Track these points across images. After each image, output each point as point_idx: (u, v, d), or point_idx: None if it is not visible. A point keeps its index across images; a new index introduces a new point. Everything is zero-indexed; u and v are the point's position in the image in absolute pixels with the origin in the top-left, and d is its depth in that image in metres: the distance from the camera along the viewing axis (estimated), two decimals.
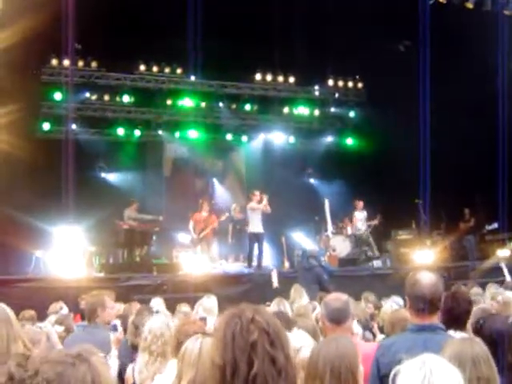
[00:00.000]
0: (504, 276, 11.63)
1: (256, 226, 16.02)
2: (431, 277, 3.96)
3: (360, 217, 17.98)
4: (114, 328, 5.76)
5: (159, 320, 4.69)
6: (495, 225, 17.04)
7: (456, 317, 4.57)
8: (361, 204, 18.10)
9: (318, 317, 5.15)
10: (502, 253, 16.05)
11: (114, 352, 5.27)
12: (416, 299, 3.91)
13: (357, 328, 5.79)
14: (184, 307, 8.31)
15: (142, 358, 4.51)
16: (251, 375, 2.14)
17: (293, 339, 3.26)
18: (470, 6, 16.26)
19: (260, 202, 16.13)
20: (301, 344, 3.35)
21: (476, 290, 9.62)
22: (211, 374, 2.21)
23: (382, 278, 13.65)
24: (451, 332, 4.27)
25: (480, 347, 3.17)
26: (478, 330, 4.69)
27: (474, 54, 15.80)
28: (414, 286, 3.94)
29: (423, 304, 3.86)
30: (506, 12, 16.63)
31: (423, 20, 15.10)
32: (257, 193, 16.33)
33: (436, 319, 3.93)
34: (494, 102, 15.23)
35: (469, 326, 5.01)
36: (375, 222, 18.06)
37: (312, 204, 20.77)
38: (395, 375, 2.17)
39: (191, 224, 16.88)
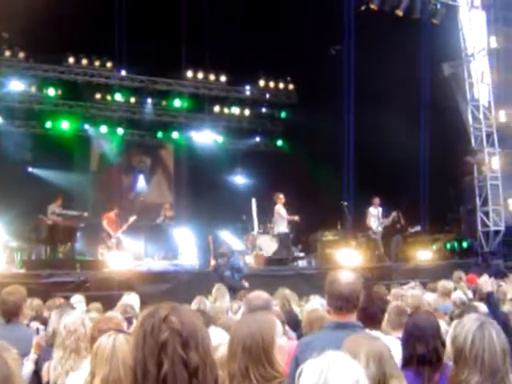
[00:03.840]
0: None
1: (286, 226, 16.53)
2: (350, 276, 4.01)
3: (374, 213, 17.33)
4: (37, 332, 5.62)
5: (73, 316, 4.60)
6: (417, 227, 17.45)
7: (371, 315, 4.63)
8: (377, 200, 17.30)
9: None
10: (423, 255, 16.45)
11: (33, 356, 5.10)
12: (334, 297, 3.96)
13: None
14: (96, 305, 8.19)
15: (56, 354, 4.41)
16: (161, 376, 2.07)
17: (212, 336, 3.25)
18: (399, 13, 16.65)
19: (285, 204, 16.54)
20: (219, 342, 3.34)
21: (397, 290, 9.84)
22: (126, 374, 2.16)
23: (307, 277, 13.77)
24: (367, 330, 4.33)
25: (382, 344, 3.24)
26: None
27: (398, 59, 16.15)
28: (332, 285, 3.98)
29: (341, 302, 3.90)
30: (434, 21, 17.09)
31: (349, 26, 15.41)
32: (281, 196, 16.53)
33: (354, 317, 3.97)
34: (416, 107, 15.65)
35: (385, 323, 5.12)
36: (389, 219, 17.25)
37: (240, 203, 20.81)
38: (300, 372, 2.19)
39: (104, 223, 16.58)
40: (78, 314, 4.78)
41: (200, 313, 6.24)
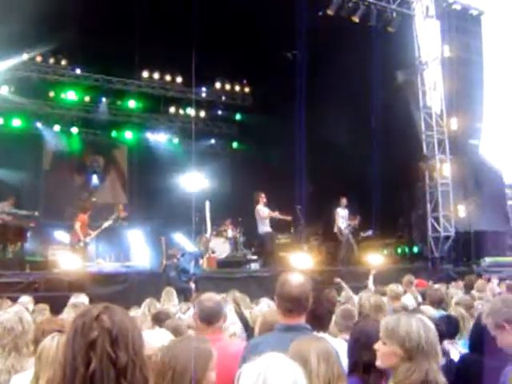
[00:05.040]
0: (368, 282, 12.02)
1: (267, 225, 16.25)
2: (299, 278, 4.02)
3: (342, 214, 17.22)
4: None
5: (10, 313, 4.51)
6: (369, 232, 17.63)
7: (319, 317, 4.65)
8: (344, 201, 17.21)
9: (194, 316, 5.12)
10: (375, 259, 16.62)
11: None
12: (284, 299, 3.96)
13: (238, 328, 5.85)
14: (43, 305, 8.04)
15: None
16: (88, 374, 2.08)
17: (153, 339, 3.24)
18: (355, 20, 16.82)
19: (266, 203, 16.21)
20: (161, 344, 3.31)
21: (346, 293, 9.94)
22: (57, 372, 2.15)
23: (259, 280, 13.79)
24: (315, 333, 4.36)
25: (329, 345, 3.28)
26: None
27: (353, 65, 16.33)
28: (282, 287, 3.99)
29: (291, 304, 3.91)
30: (389, 29, 17.32)
31: (304, 31, 15.50)
32: (263, 195, 16.26)
33: (303, 319, 3.98)
34: (369, 113, 15.84)
35: (332, 326, 5.16)
36: (355, 222, 17.15)
37: (193, 205, 20.71)
38: (239, 374, 2.20)
39: (78, 225, 16.07)
40: (14, 311, 4.67)
41: (155, 315, 6.29)
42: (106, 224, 15.99)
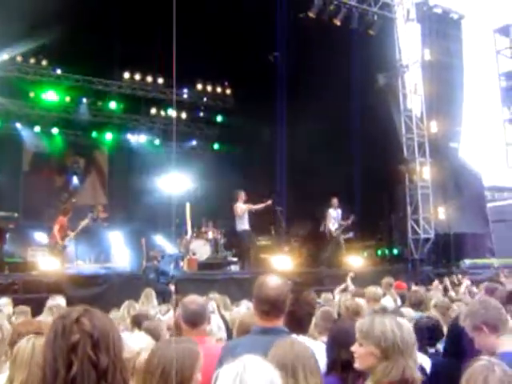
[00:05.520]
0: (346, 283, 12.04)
1: (245, 224, 16.05)
2: (277, 280, 4.00)
3: (334, 215, 17.11)
4: None
5: None
6: (350, 234, 17.69)
7: (298, 320, 4.64)
8: (335, 201, 17.04)
9: (177, 319, 5.11)
10: (355, 261, 16.68)
11: None
12: (261, 301, 3.94)
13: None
14: (23, 308, 7.97)
15: None
16: (70, 377, 2.09)
17: (132, 342, 3.22)
18: (337, 22, 16.89)
19: (246, 201, 16.00)
20: (140, 346, 3.29)
21: (327, 295, 9.97)
22: (36, 376, 2.14)
23: (239, 282, 13.78)
24: (294, 335, 4.35)
25: (304, 347, 3.29)
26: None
27: (334, 68, 16.39)
28: (259, 289, 3.97)
29: (267, 306, 3.88)
30: (370, 32, 17.39)
31: (285, 33, 15.53)
32: (243, 193, 16.06)
33: (280, 322, 3.96)
34: (350, 115, 15.90)
35: (312, 328, 5.16)
36: (348, 222, 16.96)
37: (174, 207, 20.69)
38: (216, 376, 2.21)
39: (56, 228, 15.90)
40: None
41: (134, 317, 6.26)
42: (84, 223, 15.86)
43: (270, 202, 16.17)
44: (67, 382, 2.09)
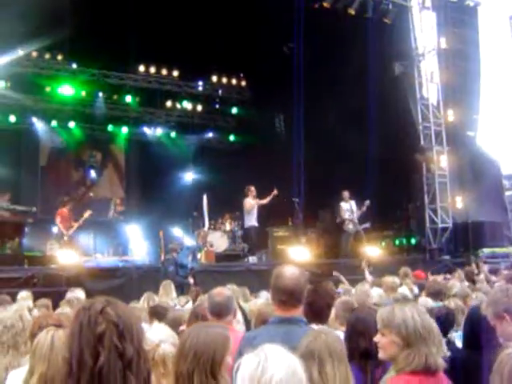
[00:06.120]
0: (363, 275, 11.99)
1: (254, 220, 16.12)
2: (294, 270, 4.00)
3: (346, 207, 16.91)
4: None
5: (10, 310, 4.51)
6: (367, 224, 17.63)
7: (317, 310, 4.66)
8: (346, 194, 16.94)
9: (197, 310, 5.15)
10: (373, 251, 16.63)
11: None
12: (278, 292, 3.95)
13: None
14: (44, 301, 8.03)
15: None
16: (97, 367, 2.09)
17: (152, 334, 3.24)
18: (352, 12, 16.78)
19: (255, 197, 16.07)
20: (159, 339, 3.30)
21: (345, 286, 9.96)
22: (61, 367, 2.15)
23: (257, 273, 13.79)
24: (313, 325, 4.36)
25: (332, 336, 3.30)
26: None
27: (350, 57, 16.33)
28: (277, 279, 3.97)
29: (285, 296, 3.89)
30: (386, 20, 17.29)
31: (301, 24, 15.46)
32: (252, 188, 16.15)
33: (298, 312, 3.96)
34: (366, 105, 15.80)
35: (333, 319, 5.16)
36: (363, 209, 16.81)
37: (191, 199, 20.77)
38: (238, 366, 2.21)
39: (58, 220, 16.17)
40: (15, 308, 4.68)
41: (152, 308, 6.30)
42: (86, 215, 16.11)
43: (275, 192, 16.15)
44: (94, 373, 2.09)
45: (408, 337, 3.16)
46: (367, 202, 16.73)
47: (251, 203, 15.98)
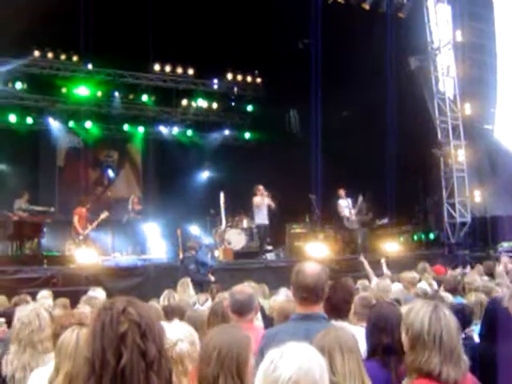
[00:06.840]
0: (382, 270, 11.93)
1: (263, 218, 16.36)
2: (314, 267, 4.01)
3: (344, 204, 17.18)
4: None
5: (28, 308, 4.53)
6: (385, 220, 17.58)
7: (337, 306, 4.66)
8: (342, 192, 17.24)
9: (216, 308, 5.15)
10: (391, 247, 16.58)
11: None
12: (299, 288, 3.96)
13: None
14: (63, 300, 8.06)
15: (12, 347, 4.32)
16: (120, 367, 2.09)
17: (170, 331, 3.23)
18: (366, 7, 16.73)
19: (263, 196, 16.27)
20: (177, 337, 3.30)
21: (364, 281, 9.92)
22: (82, 367, 2.15)
23: (275, 270, 13.80)
24: (333, 321, 4.35)
25: (342, 330, 3.29)
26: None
27: (365, 53, 16.24)
28: (297, 276, 3.98)
29: (306, 293, 3.91)
30: (400, 14, 17.20)
31: (316, 19, 15.40)
32: (261, 187, 16.35)
33: (319, 308, 3.98)
34: (383, 100, 15.74)
35: (352, 314, 5.15)
36: (359, 203, 17.02)
37: (208, 197, 20.80)
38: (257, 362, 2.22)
39: (75, 219, 16.30)
40: (32, 306, 4.69)
41: (169, 307, 6.29)
42: (103, 216, 16.25)
43: (272, 204, 16.39)
44: (117, 373, 2.09)
45: (412, 339, 3.12)
46: (360, 198, 16.91)
47: (257, 201, 16.22)
